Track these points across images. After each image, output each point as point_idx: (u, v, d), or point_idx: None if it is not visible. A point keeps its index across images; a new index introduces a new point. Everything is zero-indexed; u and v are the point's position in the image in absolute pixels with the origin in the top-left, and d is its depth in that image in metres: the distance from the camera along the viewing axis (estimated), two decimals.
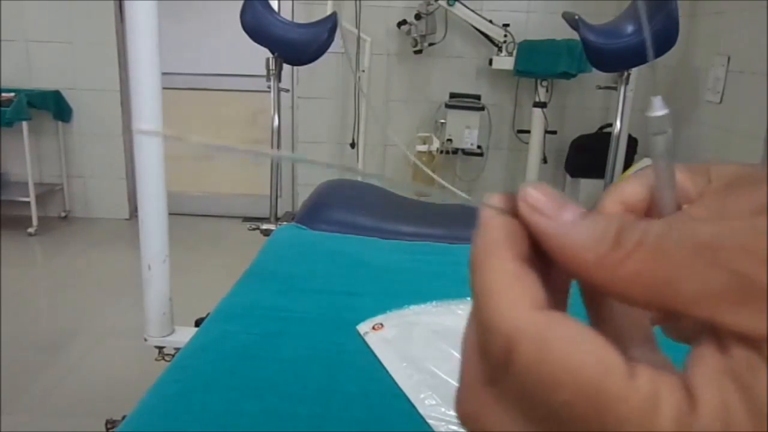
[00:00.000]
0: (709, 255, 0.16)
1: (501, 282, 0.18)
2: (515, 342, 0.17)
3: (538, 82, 3.04)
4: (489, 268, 0.19)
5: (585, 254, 0.17)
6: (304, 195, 2.17)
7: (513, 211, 0.20)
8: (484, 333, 0.18)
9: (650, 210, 0.23)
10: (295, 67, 3.25)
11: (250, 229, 2.06)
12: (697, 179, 0.23)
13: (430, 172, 0.40)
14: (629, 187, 0.23)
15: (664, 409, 0.15)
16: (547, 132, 3.14)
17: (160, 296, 1.39)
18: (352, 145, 3.32)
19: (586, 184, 3.19)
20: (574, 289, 0.22)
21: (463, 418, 0.20)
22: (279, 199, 2.47)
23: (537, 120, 3.11)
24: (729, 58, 2.63)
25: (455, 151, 3.15)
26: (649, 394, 0.16)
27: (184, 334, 1.40)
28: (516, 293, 0.18)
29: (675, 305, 0.16)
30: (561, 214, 0.19)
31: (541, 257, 0.19)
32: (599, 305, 0.22)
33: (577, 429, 0.16)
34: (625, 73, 2.16)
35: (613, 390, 0.16)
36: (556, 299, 0.19)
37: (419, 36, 3.09)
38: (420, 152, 3.10)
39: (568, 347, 0.16)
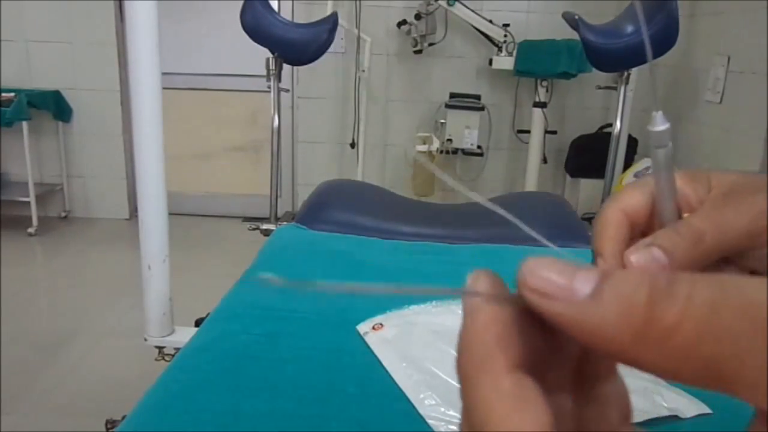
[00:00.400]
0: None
1: (497, 408, 0.16)
2: (484, 424, 0.16)
3: (538, 82, 3.04)
4: (481, 386, 0.16)
5: (618, 335, 0.14)
6: (304, 195, 2.17)
7: (504, 296, 0.17)
8: (465, 409, 0.16)
9: (652, 218, 0.23)
10: (295, 67, 3.25)
11: (250, 229, 2.06)
12: (698, 186, 0.23)
13: (454, 182, 0.40)
14: (630, 196, 0.22)
15: None
16: (547, 132, 3.14)
17: (160, 296, 1.39)
18: (352, 145, 3.32)
19: (586, 184, 3.19)
20: None
21: None
22: (279, 199, 2.47)
23: (537, 120, 3.11)
24: (729, 58, 2.63)
25: (455, 151, 3.15)
26: None
27: (184, 334, 1.40)
28: (515, 423, 0.15)
29: (727, 385, 0.13)
30: (575, 292, 0.15)
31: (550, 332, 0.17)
32: (591, 388, 0.20)
33: None
34: (625, 73, 2.16)
35: None
36: (564, 376, 0.18)
37: (419, 36, 3.09)
38: (420, 152, 3.10)
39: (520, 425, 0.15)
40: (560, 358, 0.18)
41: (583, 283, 0.15)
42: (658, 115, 0.20)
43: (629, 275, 0.15)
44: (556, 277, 0.16)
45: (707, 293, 0.14)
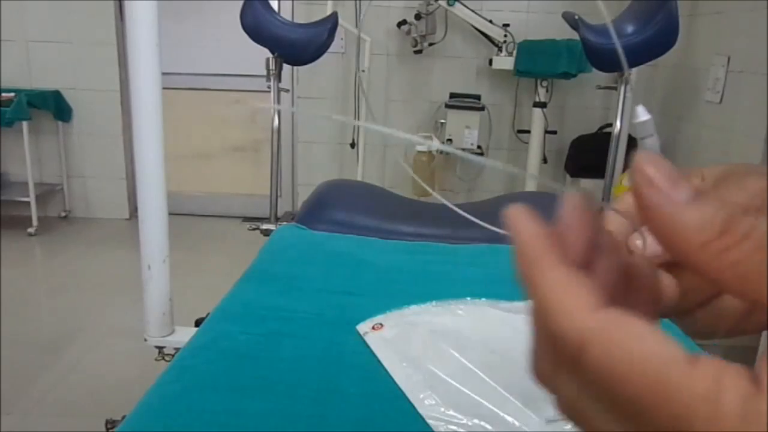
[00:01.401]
0: None
1: (555, 292, 0.19)
2: (583, 346, 0.18)
3: (538, 82, 3.04)
4: (539, 279, 0.19)
5: (692, 236, 0.18)
6: (304, 195, 2.16)
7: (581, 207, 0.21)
8: (553, 338, 0.19)
9: None
10: (295, 67, 3.25)
11: (250, 229, 2.06)
12: (691, 178, 0.24)
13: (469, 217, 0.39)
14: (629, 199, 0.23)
15: (728, 392, 0.16)
16: (547, 132, 3.14)
17: (160, 296, 1.39)
18: (352, 145, 3.32)
19: (586, 184, 3.19)
20: None
21: (539, 379, 0.22)
22: (279, 199, 2.47)
23: (537, 120, 3.11)
24: (729, 58, 2.63)
25: None
26: (712, 380, 0.16)
27: (184, 334, 1.40)
28: (573, 300, 0.19)
29: (756, 296, 0.18)
30: (675, 193, 0.19)
31: (589, 251, 0.20)
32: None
33: (648, 420, 0.17)
34: (625, 73, 2.16)
35: (676, 379, 0.17)
36: (609, 293, 0.20)
37: (419, 36, 3.09)
38: (420, 152, 3.10)
39: (631, 344, 0.18)
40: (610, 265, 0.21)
41: (683, 191, 0.19)
42: (639, 108, 0.21)
43: (718, 202, 0.19)
44: (666, 176, 0.19)
45: (764, 225, 0.18)
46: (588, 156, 3.17)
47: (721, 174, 0.24)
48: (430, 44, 3.18)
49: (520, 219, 0.20)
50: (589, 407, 0.19)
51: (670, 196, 0.19)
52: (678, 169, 0.20)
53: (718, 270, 0.18)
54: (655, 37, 1.93)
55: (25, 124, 3.03)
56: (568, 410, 0.21)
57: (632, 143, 3.21)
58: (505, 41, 3.11)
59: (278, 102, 2.20)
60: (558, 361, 0.20)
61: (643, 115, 0.28)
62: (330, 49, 2.26)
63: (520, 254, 0.20)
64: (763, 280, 0.17)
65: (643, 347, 0.17)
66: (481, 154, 3.28)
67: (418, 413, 0.67)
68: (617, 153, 2.50)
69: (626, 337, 0.18)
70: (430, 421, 0.65)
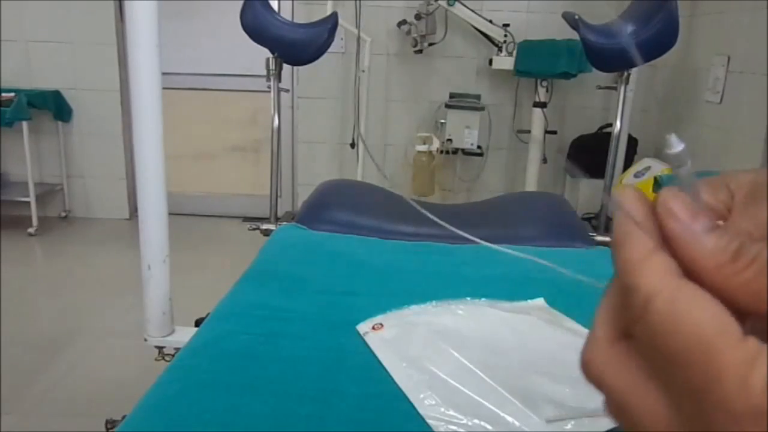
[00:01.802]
0: None
1: (642, 254, 0.22)
2: (652, 297, 0.21)
3: (538, 82, 3.04)
4: (632, 244, 0.23)
5: (707, 261, 0.21)
6: (304, 195, 2.16)
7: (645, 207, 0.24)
8: (626, 294, 0.22)
9: None
10: (295, 67, 3.25)
11: (250, 229, 2.06)
12: (719, 194, 0.26)
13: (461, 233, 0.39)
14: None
15: (760, 365, 0.19)
16: (547, 132, 3.14)
17: (160, 296, 1.39)
18: (352, 145, 3.32)
19: (586, 184, 3.19)
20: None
21: (588, 368, 0.24)
22: (279, 199, 2.47)
23: (537, 120, 3.10)
24: (729, 58, 2.63)
25: (455, 151, 3.15)
26: (752, 354, 0.19)
27: (184, 334, 1.40)
28: (655, 262, 0.22)
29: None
30: (693, 223, 0.22)
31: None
32: None
33: (685, 376, 0.20)
34: (625, 73, 2.16)
35: (722, 346, 0.19)
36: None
37: (419, 36, 3.09)
38: (420, 152, 3.10)
39: (694, 306, 0.20)
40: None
41: (701, 223, 0.22)
42: (673, 137, 0.23)
43: (731, 234, 0.22)
44: (686, 209, 0.23)
45: (763, 257, 0.21)
46: (588, 156, 3.17)
47: (750, 189, 0.25)
48: (430, 44, 3.18)
49: (627, 195, 0.24)
50: (638, 377, 0.22)
51: (690, 227, 0.22)
52: (700, 195, 0.23)
53: (732, 288, 0.21)
54: (655, 37, 1.93)
55: (25, 124, 3.03)
56: (618, 393, 0.23)
57: (632, 143, 3.21)
58: (505, 41, 3.11)
59: (278, 102, 2.19)
60: (616, 335, 0.23)
61: (677, 145, 0.28)
62: (330, 49, 2.25)
63: (622, 220, 0.23)
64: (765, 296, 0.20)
65: (702, 311, 0.20)
66: (481, 154, 3.29)
67: (418, 413, 0.67)
68: (617, 153, 2.50)
69: (690, 300, 0.21)
70: (430, 421, 0.65)
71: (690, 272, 0.22)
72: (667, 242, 0.23)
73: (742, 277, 0.21)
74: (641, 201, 0.24)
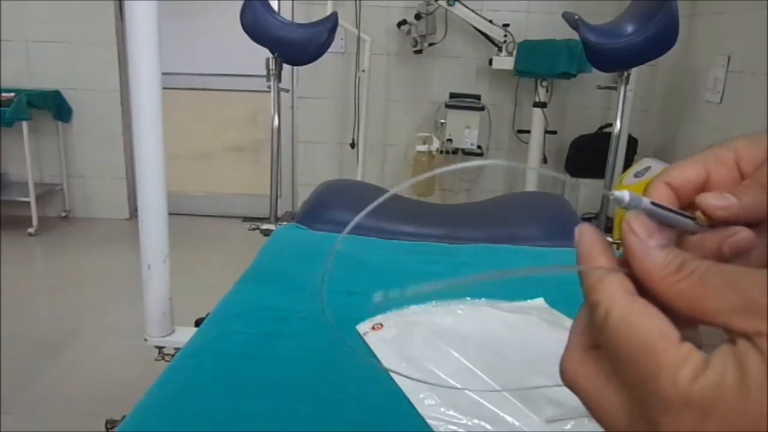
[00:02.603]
0: (732, 286, 0.24)
1: (600, 276, 0.27)
2: (609, 311, 0.25)
3: (538, 82, 3.04)
4: (592, 274, 0.27)
5: (656, 271, 0.26)
6: (304, 195, 2.16)
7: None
8: (591, 309, 0.27)
9: (702, 189, 0.29)
10: (295, 67, 3.25)
11: (250, 229, 2.06)
12: (725, 170, 0.29)
13: None
14: (676, 170, 0.30)
15: (689, 364, 0.23)
16: (547, 132, 3.13)
17: (160, 296, 1.39)
18: (352, 145, 3.32)
19: (586, 184, 3.19)
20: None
21: (564, 374, 0.28)
22: (279, 199, 2.47)
23: (537, 120, 3.10)
24: (729, 58, 2.63)
25: (455, 151, 3.15)
26: (684, 355, 0.23)
27: (184, 334, 1.40)
28: (612, 283, 0.26)
29: (703, 315, 0.24)
30: (648, 240, 0.27)
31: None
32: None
33: (634, 373, 0.24)
34: (625, 73, 2.16)
35: (662, 348, 0.23)
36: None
37: (419, 36, 3.09)
38: (420, 152, 3.10)
39: (642, 317, 0.25)
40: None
41: (655, 241, 0.27)
42: (616, 194, 0.27)
43: (677, 251, 0.26)
44: (645, 228, 0.27)
45: (705, 265, 0.25)
46: (588, 156, 3.17)
47: (761, 158, 0.29)
48: (430, 44, 3.18)
49: (584, 231, 0.29)
50: (603, 379, 0.26)
51: (645, 242, 0.27)
52: (659, 222, 0.28)
53: (672, 296, 0.25)
54: (655, 37, 1.93)
55: (25, 124, 3.03)
56: (589, 390, 0.27)
57: (632, 143, 3.21)
58: (505, 41, 3.11)
59: (278, 102, 2.19)
60: (587, 344, 0.28)
61: (623, 198, 0.27)
62: (330, 49, 2.26)
63: (582, 245, 0.28)
64: (700, 304, 0.24)
65: (648, 323, 0.24)
66: (481, 154, 3.28)
67: (418, 413, 0.67)
68: (617, 153, 2.50)
69: (639, 313, 0.25)
70: (430, 421, 0.65)
71: (643, 282, 0.26)
72: (626, 255, 0.27)
73: (680, 286, 0.25)
74: (598, 234, 0.29)
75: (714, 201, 0.28)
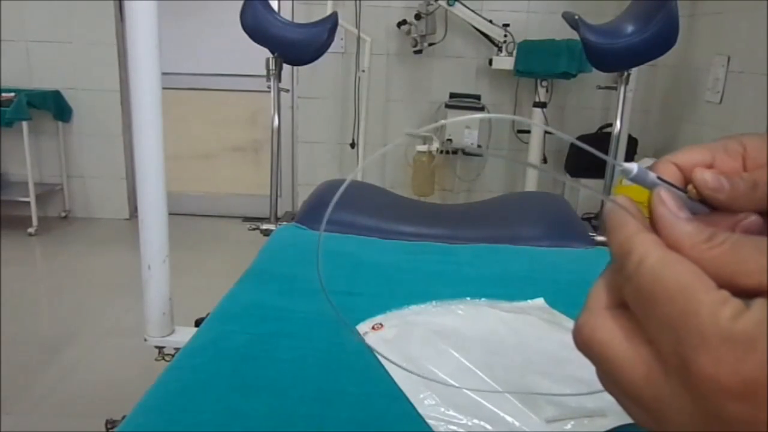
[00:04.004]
0: (763, 250, 0.24)
1: (636, 230, 0.28)
2: (644, 259, 0.26)
3: (538, 82, 3.04)
4: (627, 224, 0.28)
5: (685, 240, 0.27)
6: (304, 195, 2.16)
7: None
8: (620, 262, 0.27)
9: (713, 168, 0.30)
10: (295, 67, 3.25)
11: (250, 229, 2.06)
12: (733, 161, 0.31)
13: None
14: (685, 151, 0.31)
15: (730, 304, 0.23)
16: (547, 132, 3.14)
17: (160, 296, 1.39)
18: (352, 145, 3.32)
19: (586, 184, 3.19)
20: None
21: (580, 331, 0.28)
22: (279, 199, 2.47)
23: (537, 120, 3.10)
24: (729, 58, 2.63)
25: (455, 151, 3.15)
26: (725, 296, 0.24)
27: (184, 334, 1.40)
28: (646, 236, 0.27)
29: (736, 278, 0.25)
30: (678, 211, 0.28)
31: None
32: None
33: (667, 314, 0.24)
34: (625, 73, 2.15)
35: (701, 289, 0.24)
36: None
37: (419, 36, 3.09)
38: (420, 152, 3.10)
39: (678, 264, 0.25)
40: None
41: (684, 212, 0.28)
42: (625, 166, 0.29)
43: (702, 224, 0.27)
44: (674, 200, 0.28)
45: (737, 236, 0.26)
46: (588, 156, 3.16)
47: (763, 160, 0.30)
48: (430, 44, 3.18)
49: (621, 198, 0.29)
50: (624, 335, 0.27)
51: (676, 213, 0.28)
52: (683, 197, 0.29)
53: (703, 261, 0.25)
54: (655, 37, 1.93)
55: (25, 124, 3.03)
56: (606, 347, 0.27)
57: (632, 143, 3.21)
58: (505, 41, 3.11)
59: (278, 102, 2.19)
60: (609, 302, 0.28)
61: (631, 169, 0.27)
62: (330, 49, 2.25)
63: (614, 212, 0.29)
64: (735, 267, 0.25)
65: (685, 268, 0.25)
66: (481, 154, 3.28)
67: (417, 413, 0.66)
68: (617, 153, 2.50)
69: (676, 262, 0.25)
70: (430, 421, 0.65)
71: (671, 247, 0.27)
72: (653, 226, 0.28)
73: (713, 252, 0.25)
74: (632, 202, 0.29)
75: (708, 178, 0.30)
